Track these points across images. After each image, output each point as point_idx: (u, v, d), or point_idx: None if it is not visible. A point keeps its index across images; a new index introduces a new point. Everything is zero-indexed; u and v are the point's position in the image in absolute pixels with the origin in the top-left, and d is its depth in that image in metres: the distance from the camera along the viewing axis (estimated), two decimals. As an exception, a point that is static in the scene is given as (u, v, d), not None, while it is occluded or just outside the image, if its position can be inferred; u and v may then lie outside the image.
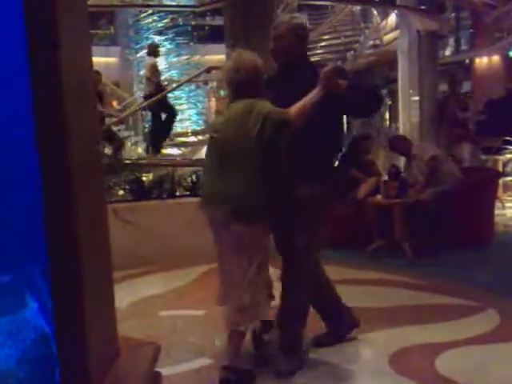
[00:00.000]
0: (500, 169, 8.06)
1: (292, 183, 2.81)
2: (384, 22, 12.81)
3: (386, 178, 5.50)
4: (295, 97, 2.71)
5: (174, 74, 13.28)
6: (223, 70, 2.83)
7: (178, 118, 13.19)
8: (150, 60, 8.74)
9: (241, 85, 2.73)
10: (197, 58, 13.45)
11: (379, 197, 5.23)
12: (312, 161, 2.84)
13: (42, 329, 1.76)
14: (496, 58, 13.11)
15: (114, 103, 13.85)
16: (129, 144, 12.50)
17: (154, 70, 8.57)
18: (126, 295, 4.07)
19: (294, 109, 2.67)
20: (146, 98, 8.60)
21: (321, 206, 2.88)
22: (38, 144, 1.62)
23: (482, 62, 13.30)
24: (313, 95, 2.68)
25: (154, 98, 7.94)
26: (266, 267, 2.80)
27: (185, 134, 11.19)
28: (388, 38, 12.96)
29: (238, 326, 2.67)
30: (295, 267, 2.89)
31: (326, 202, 2.92)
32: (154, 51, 8.87)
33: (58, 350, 1.62)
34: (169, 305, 4.02)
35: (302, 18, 3.14)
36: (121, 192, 5.79)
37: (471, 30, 14.04)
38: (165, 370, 2.69)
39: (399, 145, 5.71)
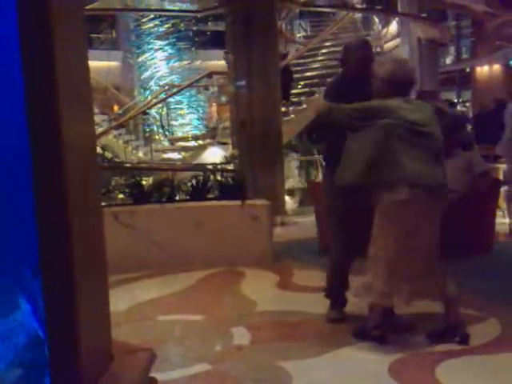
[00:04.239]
0: (501, 177, 7.98)
1: None
2: (385, 30, 12.84)
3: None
4: None
5: (175, 79, 13.30)
6: (402, 68, 3.13)
7: (179, 122, 13.23)
8: None
9: (413, 85, 3.21)
10: (198, 63, 13.49)
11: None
12: None
13: (34, 332, 1.72)
14: (497, 67, 13.12)
15: (116, 107, 13.87)
16: (129, 148, 12.51)
17: None
18: (124, 299, 4.04)
19: None
20: None
21: None
22: (31, 148, 1.59)
23: (482, 70, 13.31)
24: None
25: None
26: None
27: (185, 139, 11.20)
28: (389, 45, 12.98)
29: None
30: None
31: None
32: None
33: (49, 354, 1.58)
34: (167, 309, 3.98)
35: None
36: (120, 196, 5.77)
37: (472, 39, 14.06)
38: (161, 376, 2.65)
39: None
